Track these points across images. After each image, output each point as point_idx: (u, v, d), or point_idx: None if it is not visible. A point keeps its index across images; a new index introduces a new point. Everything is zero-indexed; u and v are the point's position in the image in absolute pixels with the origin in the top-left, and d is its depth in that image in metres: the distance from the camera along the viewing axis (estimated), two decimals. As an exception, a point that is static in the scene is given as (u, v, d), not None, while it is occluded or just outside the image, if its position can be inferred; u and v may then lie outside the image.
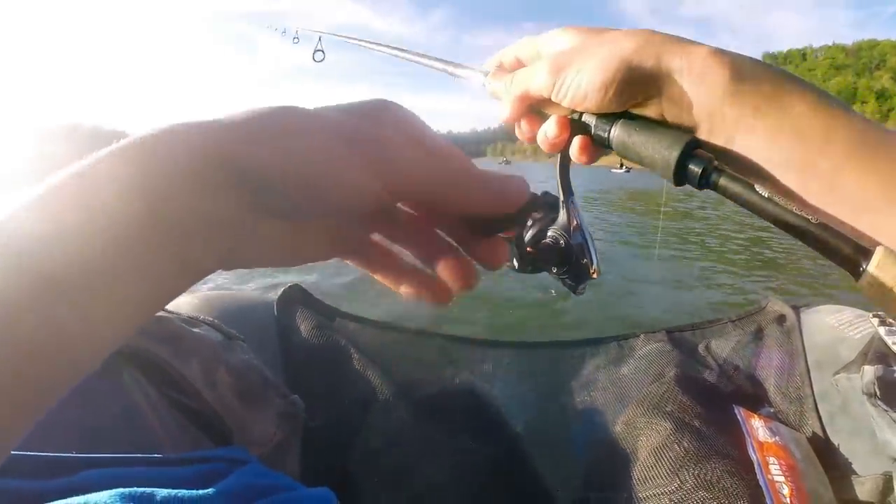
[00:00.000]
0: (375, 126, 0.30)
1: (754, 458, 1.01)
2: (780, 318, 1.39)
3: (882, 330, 1.08)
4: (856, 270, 0.31)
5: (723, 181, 0.37)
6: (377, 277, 0.36)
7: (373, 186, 0.28)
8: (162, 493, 0.49)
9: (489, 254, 0.36)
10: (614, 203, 19.86)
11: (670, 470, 1.00)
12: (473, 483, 1.10)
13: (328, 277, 5.16)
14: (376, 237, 0.36)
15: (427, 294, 0.36)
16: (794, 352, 1.28)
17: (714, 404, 1.19)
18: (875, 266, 0.29)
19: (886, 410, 0.91)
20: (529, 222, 0.46)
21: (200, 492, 0.52)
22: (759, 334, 1.40)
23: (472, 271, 0.35)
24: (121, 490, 0.47)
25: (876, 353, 1.04)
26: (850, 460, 1.04)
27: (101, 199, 0.23)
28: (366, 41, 0.76)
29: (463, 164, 0.31)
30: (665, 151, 0.39)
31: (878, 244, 0.31)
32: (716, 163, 0.38)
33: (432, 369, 1.39)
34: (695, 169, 0.39)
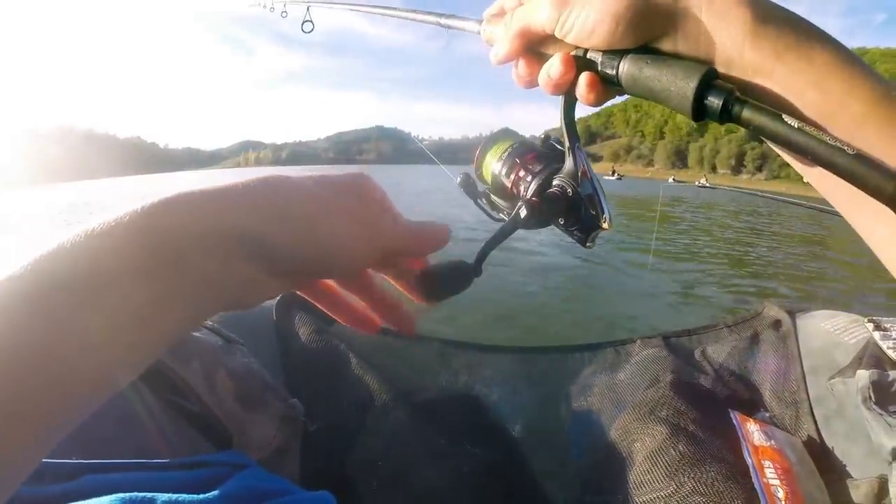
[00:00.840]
0: (363, 203, 0.37)
1: (750, 461, 1.02)
2: (776, 323, 1.39)
3: (877, 335, 1.09)
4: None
5: (746, 112, 0.34)
6: (321, 306, 0.43)
7: (368, 253, 0.36)
8: (163, 497, 0.49)
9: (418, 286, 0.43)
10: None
11: (666, 474, 1.01)
12: (472, 487, 1.10)
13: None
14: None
15: (354, 324, 0.44)
16: (790, 356, 1.29)
17: (710, 409, 1.20)
18: None
19: (881, 414, 0.92)
20: (529, 176, 0.45)
21: (201, 496, 0.52)
22: (755, 339, 1.41)
23: (399, 312, 0.44)
24: (121, 495, 0.47)
25: (871, 357, 1.05)
26: (845, 464, 1.05)
27: (118, 268, 0.26)
28: (354, 5, 0.75)
29: (408, 225, 0.40)
30: (681, 83, 0.36)
31: None
32: (738, 94, 0.35)
33: (430, 374, 1.39)
34: (715, 101, 0.35)
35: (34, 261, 0.25)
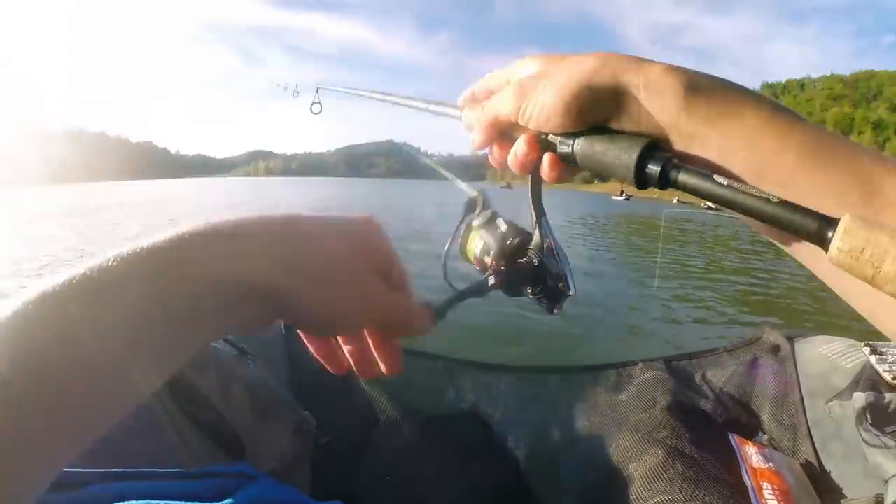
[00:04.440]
0: (365, 257, 0.39)
1: (748, 483, 1.04)
2: (775, 348, 1.42)
3: (873, 358, 1.12)
4: (823, 241, 0.30)
5: (682, 176, 0.37)
6: (315, 351, 0.44)
7: (361, 321, 0.39)
8: None
9: (390, 357, 0.44)
10: (611, 231, 19.99)
11: (665, 492, 1.02)
12: (477, 503, 1.12)
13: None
14: None
15: (341, 370, 0.45)
16: (789, 381, 1.31)
17: (709, 432, 1.22)
18: (842, 233, 0.29)
19: (877, 434, 0.95)
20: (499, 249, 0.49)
21: None
22: (754, 364, 1.43)
23: (374, 366, 0.44)
24: (133, 503, 0.49)
25: (867, 380, 1.08)
26: (842, 484, 1.07)
27: (112, 319, 0.27)
28: (359, 90, 0.83)
29: (401, 303, 0.41)
30: (624, 155, 0.40)
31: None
32: (675, 160, 0.38)
33: (437, 391, 1.41)
34: (654, 168, 0.39)
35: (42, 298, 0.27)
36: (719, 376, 1.45)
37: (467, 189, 0.58)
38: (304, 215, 0.38)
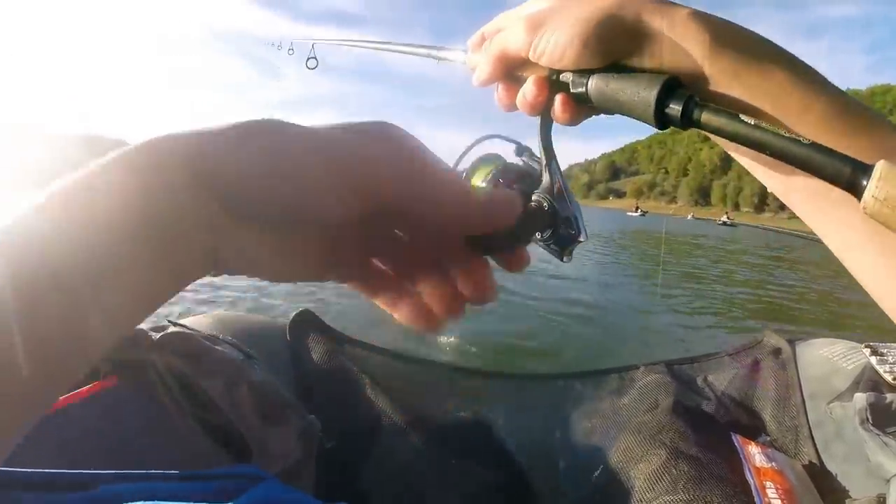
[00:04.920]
0: (362, 142, 0.30)
1: (752, 482, 1.05)
2: (777, 351, 1.43)
3: (874, 359, 1.13)
4: (856, 188, 0.28)
5: (706, 115, 0.35)
6: (374, 300, 0.37)
7: (346, 200, 0.29)
8: None
9: (477, 286, 0.36)
10: (627, 246, 20.03)
11: (668, 492, 1.03)
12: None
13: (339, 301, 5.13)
14: (374, 262, 0.37)
15: (420, 320, 0.36)
16: (790, 383, 1.32)
17: (712, 432, 1.23)
18: (878, 179, 0.27)
19: (878, 434, 0.96)
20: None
21: None
22: (755, 367, 1.44)
23: (459, 303, 0.36)
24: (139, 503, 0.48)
25: (868, 381, 1.09)
26: (844, 484, 1.07)
27: (99, 204, 0.25)
28: (354, 41, 0.81)
29: (454, 186, 0.32)
30: (643, 92, 0.38)
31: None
32: (697, 98, 0.36)
33: (440, 397, 1.42)
34: (675, 107, 0.36)
35: (23, 212, 0.24)
36: (721, 379, 1.46)
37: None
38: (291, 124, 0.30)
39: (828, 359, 1.29)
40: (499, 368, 1.63)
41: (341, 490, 1.09)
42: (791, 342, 1.43)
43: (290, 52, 1.16)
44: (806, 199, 0.40)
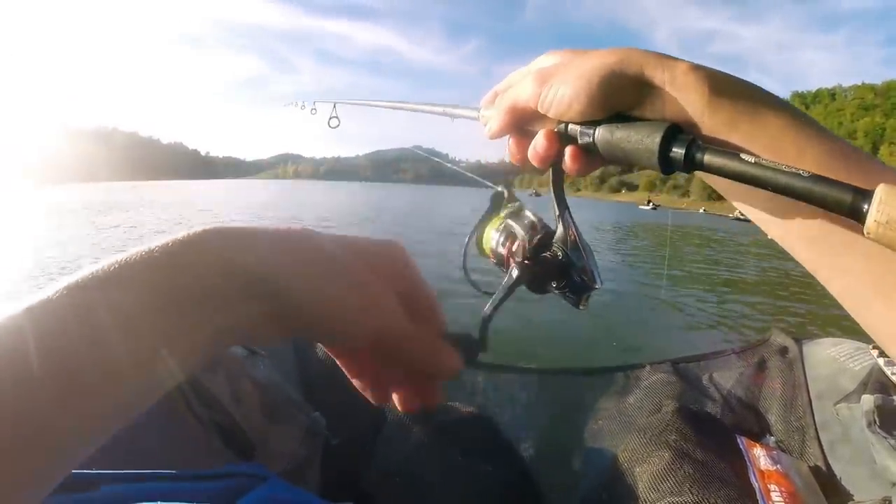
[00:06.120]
0: (383, 277, 0.36)
1: (756, 485, 1.04)
2: (783, 350, 1.42)
3: (882, 361, 1.12)
4: (858, 214, 0.29)
5: (708, 157, 0.36)
6: (352, 378, 0.41)
7: (369, 329, 0.34)
8: None
9: (428, 395, 0.42)
10: (638, 235, 20.01)
11: (672, 494, 1.03)
12: (484, 502, 1.12)
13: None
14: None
15: (382, 402, 0.42)
16: (797, 383, 1.32)
17: (717, 434, 1.22)
18: (879, 202, 0.28)
19: (885, 437, 0.95)
20: (523, 242, 0.48)
21: None
22: (762, 366, 1.43)
23: (414, 402, 0.41)
24: None
25: (875, 383, 1.08)
26: (850, 487, 1.07)
27: (146, 313, 0.28)
28: (375, 102, 0.85)
29: (431, 328, 0.39)
30: (647, 140, 0.39)
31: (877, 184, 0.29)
32: (699, 142, 0.38)
33: (446, 392, 1.42)
34: (679, 150, 0.38)
35: (60, 289, 0.27)
36: (727, 378, 1.45)
37: (493, 186, 0.57)
38: (320, 232, 0.36)
39: (835, 359, 1.28)
40: (506, 363, 1.61)
41: (347, 487, 1.09)
42: (798, 341, 1.42)
43: (313, 111, 1.21)
44: (807, 246, 0.41)
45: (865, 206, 0.29)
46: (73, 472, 0.53)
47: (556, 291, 0.47)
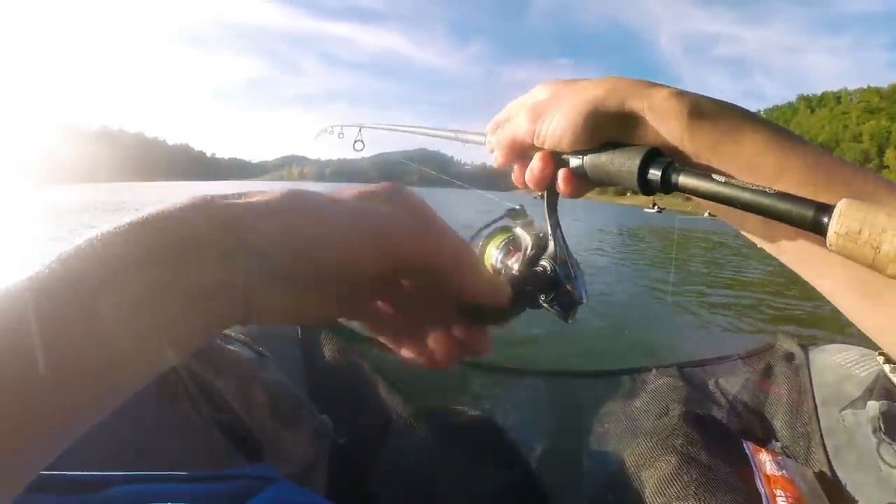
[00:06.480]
0: (383, 207, 0.34)
1: (762, 490, 1.05)
2: (789, 356, 1.42)
3: (888, 367, 1.12)
4: (821, 228, 0.30)
5: (682, 178, 0.39)
6: (380, 339, 0.41)
7: (371, 261, 0.33)
8: None
9: (474, 342, 0.40)
10: (644, 238, 19.98)
11: (678, 499, 1.03)
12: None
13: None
14: (380, 304, 0.41)
15: (419, 360, 0.40)
16: (803, 389, 1.32)
17: (723, 439, 1.23)
18: (839, 216, 0.29)
19: (890, 443, 0.95)
20: (517, 257, 0.50)
21: None
22: (768, 371, 1.44)
23: (455, 351, 0.39)
24: None
25: (881, 389, 1.08)
26: (855, 493, 1.07)
27: (131, 267, 0.27)
28: (398, 126, 0.93)
29: (462, 254, 0.36)
30: (628, 163, 0.42)
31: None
32: (675, 164, 0.40)
33: (452, 394, 1.43)
34: (655, 173, 0.40)
35: (53, 260, 0.26)
36: (733, 383, 1.46)
37: (505, 202, 0.59)
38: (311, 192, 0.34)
39: (841, 365, 1.29)
40: (511, 365, 1.62)
41: (353, 488, 1.10)
42: (804, 347, 1.43)
43: (341, 136, 1.28)
44: (786, 255, 0.44)
45: (826, 220, 0.30)
46: (82, 474, 0.54)
47: (545, 304, 0.49)
